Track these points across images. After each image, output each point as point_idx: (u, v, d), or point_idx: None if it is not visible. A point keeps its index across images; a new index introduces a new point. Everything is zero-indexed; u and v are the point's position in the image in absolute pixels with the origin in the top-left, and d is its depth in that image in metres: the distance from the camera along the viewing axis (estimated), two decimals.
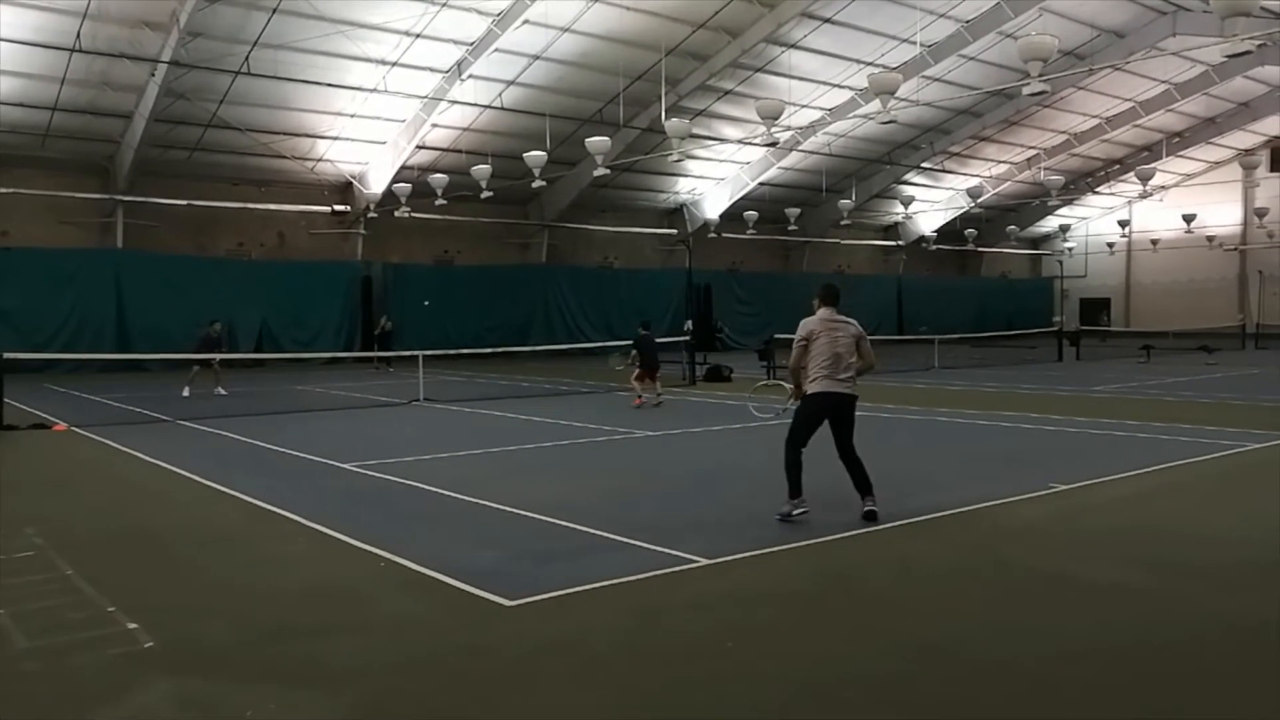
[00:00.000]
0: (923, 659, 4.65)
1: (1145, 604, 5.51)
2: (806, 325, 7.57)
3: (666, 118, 24.09)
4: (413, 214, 29.41)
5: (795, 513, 7.28)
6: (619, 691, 4.35)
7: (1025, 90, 17.17)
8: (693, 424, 14.13)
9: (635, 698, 4.27)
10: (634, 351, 16.62)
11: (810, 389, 7.44)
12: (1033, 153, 39.49)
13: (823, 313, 7.62)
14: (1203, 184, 44.15)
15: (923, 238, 44.60)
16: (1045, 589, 5.80)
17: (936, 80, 29.53)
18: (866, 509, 7.36)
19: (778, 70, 28.40)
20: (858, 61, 28.47)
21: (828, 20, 26.24)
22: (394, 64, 24.59)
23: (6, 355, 15.44)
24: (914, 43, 26.58)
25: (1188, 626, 5.13)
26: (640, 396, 16.50)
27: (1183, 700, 4.22)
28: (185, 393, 18.06)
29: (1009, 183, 41.36)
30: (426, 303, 30.12)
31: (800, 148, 33.32)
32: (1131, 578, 5.98)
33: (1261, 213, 41.25)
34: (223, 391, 18.68)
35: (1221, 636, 4.96)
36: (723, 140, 31.37)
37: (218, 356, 19.48)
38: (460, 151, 28.80)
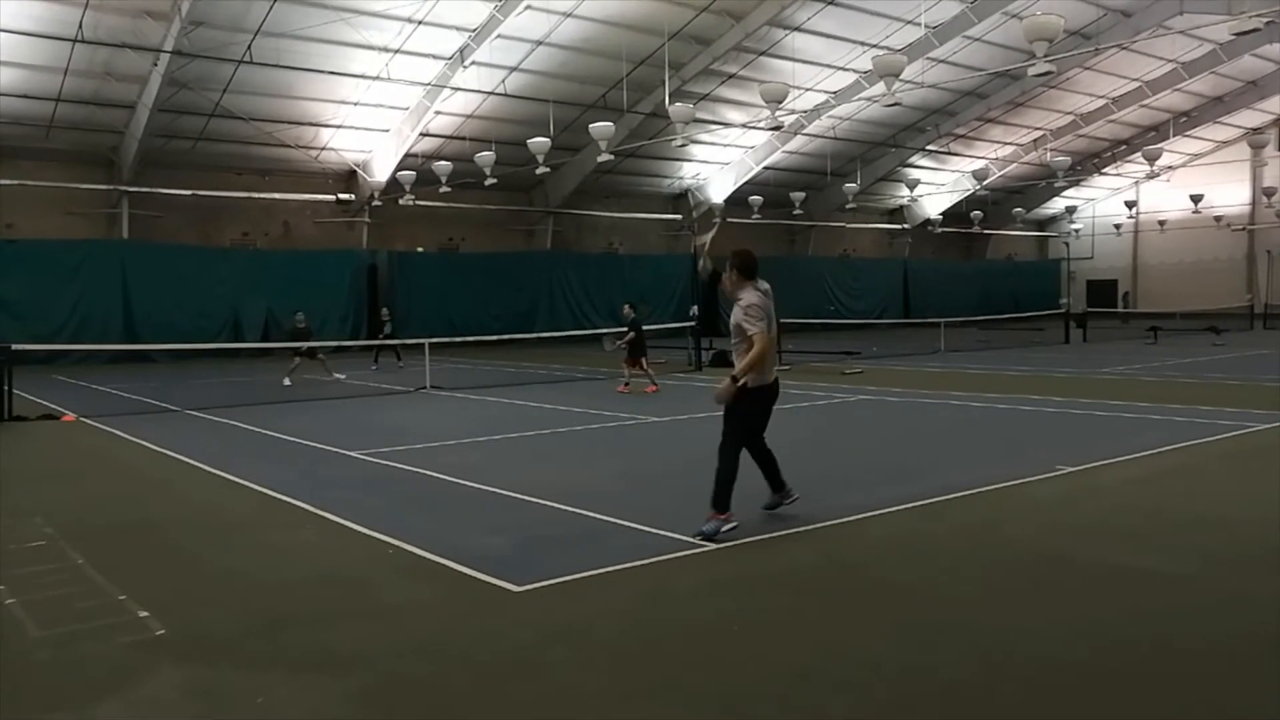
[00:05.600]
0: (929, 643, 4.66)
1: (1148, 589, 5.50)
2: (752, 299, 6.40)
3: (670, 102, 24.02)
4: (417, 202, 29.39)
5: (725, 528, 6.36)
6: (626, 676, 4.37)
7: (1031, 71, 17.03)
8: (699, 409, 14.11)
9: (642, 682, 4.29)
10: (632, 333, 16.55)
11: (761, 380, 6.55)
12: (1039, 134, 39.30)
13: (753, 285, 6.56)
14: (1210, 163, 43.90)
15: (928, 221, 44.42)
16: (1050, 571, 5.79)
17: (942, 62, 29.35)
18: (772, 501, 6.97)
19: (782, 53, 28.24)
20: (862, 44, 28.32)
21: (831, 2, 26.09)
22: (396, 51, 24.53)
23: (15, 347, 15.52)
24: (919, 24, 26.40)
25: (1198, 611, 5.12)
26: (627, 383, 16.53)
27: (1199, 690, 4.22)
28: (286, 381, 18.44)
29: (1015, 164, 41.15)
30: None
31: (805, 131, 33.18)
32: (1138, 561, 5.97)
33: (1270, 192, 40.97)
34: (341, 376, 19.28)
35: (1245, 621, 4.94)
36: (727, 124, 31.26)
37: (319, 345, 20.25)
38: (464, 139, 28.75)
